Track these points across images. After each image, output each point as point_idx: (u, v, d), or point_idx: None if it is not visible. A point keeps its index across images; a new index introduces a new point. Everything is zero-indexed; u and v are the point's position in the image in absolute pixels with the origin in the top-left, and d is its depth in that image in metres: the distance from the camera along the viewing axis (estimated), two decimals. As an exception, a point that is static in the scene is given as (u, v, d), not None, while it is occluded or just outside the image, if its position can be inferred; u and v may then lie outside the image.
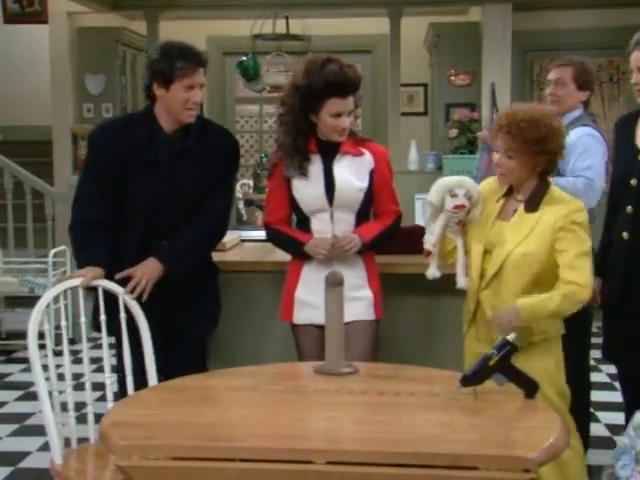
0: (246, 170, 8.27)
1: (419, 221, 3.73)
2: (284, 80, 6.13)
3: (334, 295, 2.21)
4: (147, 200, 2.70)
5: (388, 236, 2.82)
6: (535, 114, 2.39)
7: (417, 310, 3.13)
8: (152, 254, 2.69)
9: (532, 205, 2.43)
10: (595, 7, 6.42)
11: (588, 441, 3.42)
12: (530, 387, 2.00)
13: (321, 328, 2.61)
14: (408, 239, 3.32)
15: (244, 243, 3.81)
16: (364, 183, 2.76)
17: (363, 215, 2.79)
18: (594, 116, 4.58)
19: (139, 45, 7.25)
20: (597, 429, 3.72)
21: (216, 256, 3.03)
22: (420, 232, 3.41)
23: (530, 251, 2.38)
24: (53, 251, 5.29)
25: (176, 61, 2.61)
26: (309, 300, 2.74)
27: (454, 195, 2.46)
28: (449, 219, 2.51)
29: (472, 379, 1.99)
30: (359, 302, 2.74)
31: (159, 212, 2.72)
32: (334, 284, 2.22)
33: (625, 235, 2.66)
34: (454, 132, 5.91)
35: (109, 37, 6.79)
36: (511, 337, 2.05)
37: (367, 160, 2.78)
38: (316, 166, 2.76)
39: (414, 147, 6.15)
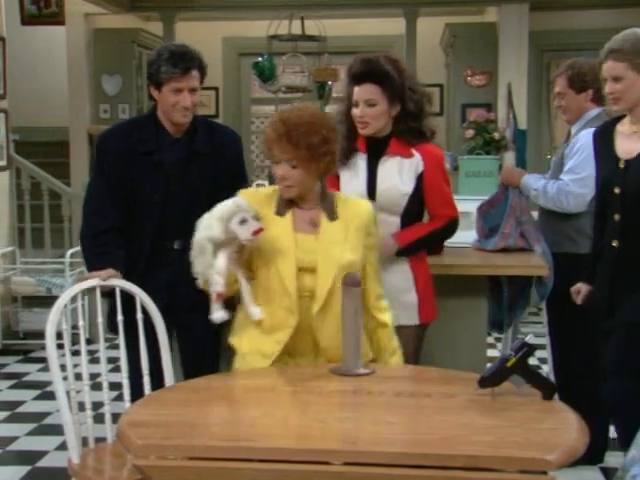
0: (261, 171, 8.29)
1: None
2: (300, 81, 6.15)
3: (351, 296, 2.21)
4: (157, 202, 2.71)
5: (433, 240, 2.78)
6: (311, 116, 2.26)
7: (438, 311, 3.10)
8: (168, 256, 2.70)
9: (333, 213, 2.32)
10: (611, 7, 6.40)
11: (607, 443, 3.40)
12: (548, 388, 2.00)
13: None
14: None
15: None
16: (409, 187, 2.69)
17: (410, 217, 2.73)
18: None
19: (155, 46, 7.27)
20: (615, 431, 3.67)
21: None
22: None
23: (354, 259, 2.28)
24: (70, 251, 5.32)
25: (163, 65, 2.62)
26: None
27: (244, 221, 2.19)
28: (234, 250, 2.24)
29: (490, 380, 1.98)
30: (402, 307, 2.66)
31: (170, 213, 2.72)
32: (351, 285, 2.21)
33: (615, 243, 2.66)
34: (470, 133, 5.89)
35: (125, 38, 6.84)
36: (529, 338, 2.04)
37: (416, 162, 2.70)
38: (361, 165, 2.73)
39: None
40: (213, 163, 2.77)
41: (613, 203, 2.67)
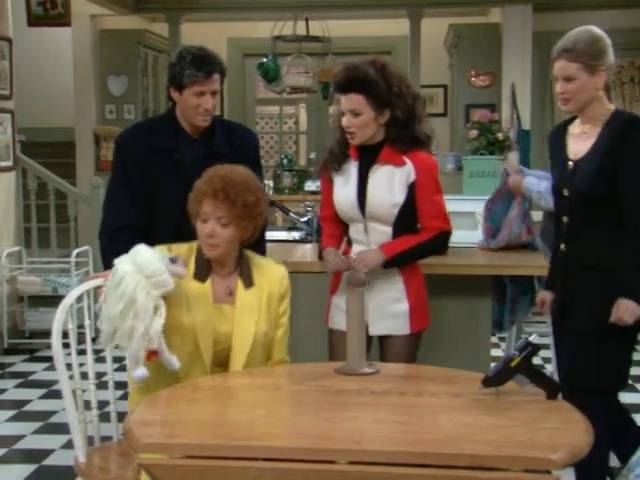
0: (266, 171, 8.30)
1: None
2: (304, 81, 6.16)
3: (355, 295, 2.22)
4: (178, 201, 2.71)
5: (421, 252, 2.67)
6: (247, 176, 2.27)
7: (436, 311, 3.12)
8: None
9: (249, 280, 2.30)
10: (615, 7, 6.39)
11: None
12: (552, 388, 2.00)
13: None
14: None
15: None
16: (400, 197, 2.61)
17: (403, 227, 2.65)
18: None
19: (161, 47, 7.31)
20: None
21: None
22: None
23: (267, 330, 2.29)
24: (76, 251, 5.34)
25: (187, 68, 2.63)
26: (344, 306, 2.61)
27: (173, 260, 2.18)
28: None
29: (494, 380, 1.98)
30: (393, 316, 2.66)
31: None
32: (355, 284, 2.22)
33: (563, 246, 2.62)
34: (474, 133, 5.88)
35: (131, 39, 6.85)
36: (533, 338, 2.04)
37: (407, 171, 2.62)
38: (353, 172, 2.67)
39: (434, 148, 6.13)
40: (234, 163, 2.77)
41: (562, 206, 2.62)
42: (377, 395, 2.07)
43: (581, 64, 2.48)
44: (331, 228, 2.77)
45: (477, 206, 3.53)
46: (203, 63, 2.65)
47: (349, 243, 2.73)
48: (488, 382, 1.99)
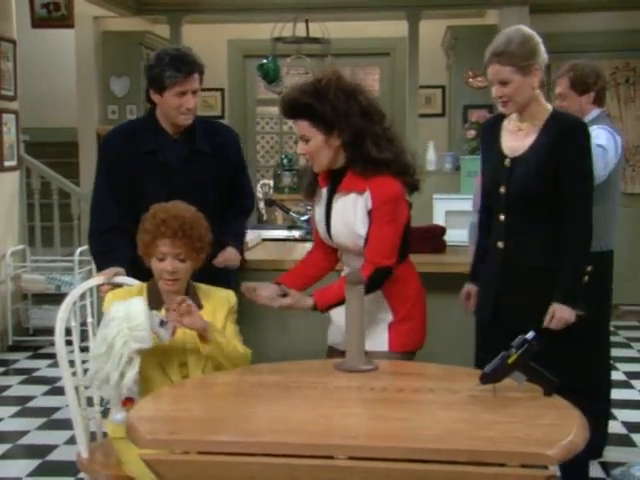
0: (266, 171, 8.33)
1: (437, 221, 3.76)
2: (305, 82, 6.17)
3: (354, 293, 2.24)
4: (163, 199, 2.75)
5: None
6: (193, 211, 2.37)
7: (434, 309, 3.14)
8: (228, 245, 2.84)
9: (198, 304, 2.36)
10: (611, 9, 6.41)
11: (606, 438, 3.43)
12: (549, 384, 2.02)
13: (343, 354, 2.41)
14: (425, 238, 3.35)
15: (265, 242, 3.85)
16: (362, 229, 2.41)
17: None
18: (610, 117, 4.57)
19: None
20: (614, 427, 3.71)
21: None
22: (437, 231, 3.45)
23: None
24: (79, 249, 5.37)
25: (166, 70, 2.65)
26: (338, 320, 2.50)
27: (163, 322, 2.23)
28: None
29: (491, 377, 2.00)
30: (373, 335, 2.46)
31: None
32: (354, 282, 2.24)
33: (500, 244, 2.56)
34: (471, 133, 5.93)
35: (133, 40, 6.87)
36: (530, 335, 2.07)
37: (366, 198, 2.40)
38: (323, 200, 2.53)
39: (432, 148, 6.18)
40: (217, 163, 2.81)
41: (498, 203, 2.56)
42: (376, 391, 2.09)
43: (514, 66, 2.45)
44: (309, 261, 2.65)
45: (474, 205, 3.54)
46: (182, 63, 2.67)
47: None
48: (485, 379, 2.00)
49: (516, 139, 2.55)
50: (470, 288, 2.73)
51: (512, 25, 2.62)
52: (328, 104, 2.35)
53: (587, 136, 2.51)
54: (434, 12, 6.60)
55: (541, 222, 2.51)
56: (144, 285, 2.42)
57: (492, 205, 2.61)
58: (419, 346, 2.57)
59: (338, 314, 2.47)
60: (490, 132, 2.65)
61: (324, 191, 2.53)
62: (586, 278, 2.57)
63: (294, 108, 2.41)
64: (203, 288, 2.46)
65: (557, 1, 6.42)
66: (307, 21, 6.19)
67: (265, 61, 6.05)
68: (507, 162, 2.54)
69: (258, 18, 6.84)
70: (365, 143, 2.38)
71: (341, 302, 2.35)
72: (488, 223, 2.65)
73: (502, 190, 2.54)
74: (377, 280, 2.41)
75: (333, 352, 2.62)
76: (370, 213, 2.41)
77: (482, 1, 6.44)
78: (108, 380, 2.19)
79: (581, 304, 2.49)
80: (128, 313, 2.20)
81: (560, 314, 2.45)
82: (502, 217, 2.56)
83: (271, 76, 6.05)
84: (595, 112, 3.31)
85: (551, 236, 2.50)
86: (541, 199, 2.49)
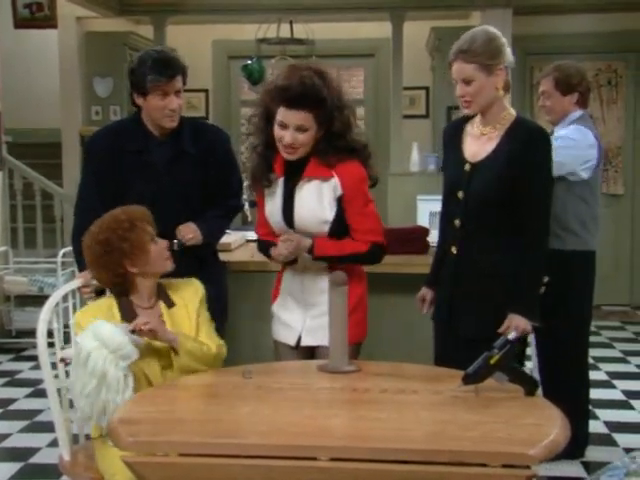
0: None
1: (420, 222, 3.77)
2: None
3: (337, 294, 2.24)
4: (148, 199, 2.74)
5: (353, 261, 2.51)
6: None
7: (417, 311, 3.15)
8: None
9: (169, 301, 2.39)
10: (594, 12, 6.47)
11: (587, 438, 3.45)
12: (530, 385, 2.04)
13: (294, 349, 2.58)
14: (408, 239, 3.36)
15: (249, 243, 3.84)
16: (330, 214, 2.46)
17: (338, 237, 2.49)
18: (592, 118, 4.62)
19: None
20: (595, 426, 3.73)
21: (222, 256, 3.08)
22: (421, 232, 3.46)
23: (196, 334, 2.37)
24: (62, 251, 5.33)
25: (149, 73, 2.64)
26: (282, 317, 2.62)
27: (133, 331, 2.23)
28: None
29: (474, 377, 2.01)
30: (325, 328, 2.40)
31: (161, 212, 2.74)
32: (337, 283, 2.25)
33: (454, 250, 2.53)
34: (457, 135, 5.95)
35: (117, 41, 6.84)
36: (512, 336, 2.08)
37: (334, 185, 2.45)
38: (278, 189, 2.53)
39: (416, 149, 6.19)
40: (203, 163, 2.80)
41: (455, 207, 2.52)
42: (359, 392, 2.10)
43: (477, 64, 2.42)
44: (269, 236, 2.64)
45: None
46: (164, 67, 2.66)
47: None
48: (468, 379, 2.02)
49: (478, 144, 2.52)
50: (425, 292, 2.71)
51: (495, 26, 2.60)
52: (331, 98, 2.41)
53: (549, 146, 2.49)
54: (418, 13, 6.62)
55: (496, 229, 2.48)
56: (112, 300, 2.39)
57: (449, 209, 2.58)
58: (364, 337, 2.61)
59: (280, 308, 2.63)
60: (453, 135, 2.62)
61: (280, 181, 2.54)
62: (542, 289, 2.55)
63: (309, 98, 2.37)
64: (173, 284, 2.45)
65: (540, 3, 6.46)
66: (291, 22, 6.20)
67: (250, 62, 6.05)
68: (467, 167, 2.51)
69: (243, 19, 6.83)
70: (349, 133, 2.46)
71: (335, 259, 2.47)
72: (445, 229, 2.62)
73: (460, 195, 2.51)
74: (376, 255, 2.53)
75: (279, 346, 2.66)
76: (341, 198, 2.46)
77: (466, 3, 6.46)
78: (106, 409, 2.17)
79: (537, 315, 2.46)
80: (102, 339, 2.18)
81: (516, 324, 2.42)
82: (457, 222, 2.53)
83: (255, 77, 6.05)
84: (578, 113, 3.33)
85: (505, 243, 2.47)
86: (498, 206, 2.45)
